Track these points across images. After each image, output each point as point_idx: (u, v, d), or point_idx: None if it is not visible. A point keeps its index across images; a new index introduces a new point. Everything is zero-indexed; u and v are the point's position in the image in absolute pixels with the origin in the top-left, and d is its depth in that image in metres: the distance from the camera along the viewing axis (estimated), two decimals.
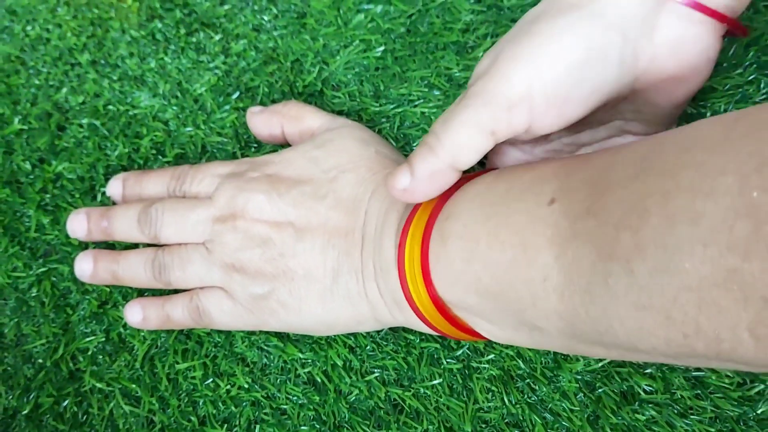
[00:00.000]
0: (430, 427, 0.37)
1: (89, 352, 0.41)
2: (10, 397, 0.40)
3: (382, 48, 0.46)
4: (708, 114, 0.41)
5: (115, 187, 0.43)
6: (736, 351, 0.22)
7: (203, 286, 0.39)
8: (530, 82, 0.29)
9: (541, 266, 0.27)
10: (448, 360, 0.38)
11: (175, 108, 0.47)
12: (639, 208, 0.23)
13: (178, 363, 0.40)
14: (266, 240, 0.38)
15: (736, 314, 0.21)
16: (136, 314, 0.40)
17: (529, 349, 0.38)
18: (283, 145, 0.44)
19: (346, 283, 0.37)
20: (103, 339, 0.41)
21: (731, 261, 0.21)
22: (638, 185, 0.24)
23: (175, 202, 0.40)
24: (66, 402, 0.39)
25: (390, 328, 0.39)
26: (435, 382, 0.38)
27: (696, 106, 0.41)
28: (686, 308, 0.22)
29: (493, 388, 0.37)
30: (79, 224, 0.42)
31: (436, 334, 0.37)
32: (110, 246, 0.43)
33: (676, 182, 0.23)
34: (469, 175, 0.34)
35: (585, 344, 0.29)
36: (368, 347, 0.39)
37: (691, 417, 0.36)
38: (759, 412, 0.35)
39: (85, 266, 0.41)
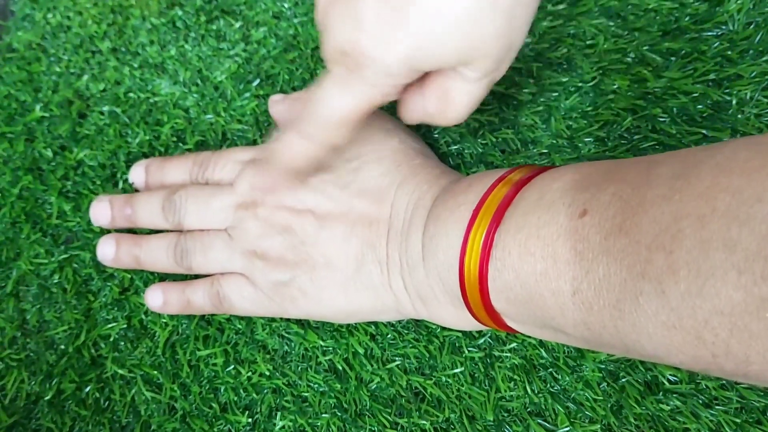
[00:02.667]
0: (452, 415, 0.37)
1: (111, 339, 0.41)
2: (33, 383, 0.40)
3: None
4: (733, 101, 0.41)
5: (137, 174, 0.43)
6: (764, 373, 0.22)
7: (224, 272, 0.39)
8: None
9: (571, 279, 0.27)
10: (469, 349, 0.38)
11: (195, 95, 0.47)
12: (673, 229, 0.23)
13: (199, 350, 0.40)
14: (287, 227, 0.38)
15: None
16: (157, 298, 0.40)
17: None
18: None
19: (370, 273, 0.37)
20: (125, 325, 0.41)
21: (765, 290, 0.20)
22: (672, 206, 0.24)
23: (198, 189, 0.40)
24: (88, 388, 0.40)
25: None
26: (456, 370, 0.38)
27: (722, 93, 0.41)
28: (717, 331, 0.22)
29: (516, 377, 0.37)
30: (102, 211, 0.42)
31: (455, 328, 0.37)
32: (130, 231, 0.43)
33: (711, 206, 0.22)
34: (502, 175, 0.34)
35: (608, 349, 0.29)
36: (389, 335, 0.39)
37: (717, 407, 0.35)
38: None
39: (107, 250, 0.41)
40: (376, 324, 0.39)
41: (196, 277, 0.41)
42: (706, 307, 0.22)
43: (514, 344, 0.38)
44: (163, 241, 0.41)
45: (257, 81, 0.47)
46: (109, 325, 0.41)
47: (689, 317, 0.22)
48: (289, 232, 0.38)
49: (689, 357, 0.24)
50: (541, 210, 0.29)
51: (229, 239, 0.39)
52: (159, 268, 0.41)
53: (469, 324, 0.35)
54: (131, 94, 0.48)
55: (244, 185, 0.39)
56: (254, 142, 0.45)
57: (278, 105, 0.43)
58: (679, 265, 0.22)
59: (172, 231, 0.41)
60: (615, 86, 0.42)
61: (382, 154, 0.39)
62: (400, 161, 0.38)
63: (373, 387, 0.38)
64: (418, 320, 0.39)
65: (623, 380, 0.36)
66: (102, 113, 0.47)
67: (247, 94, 0.46)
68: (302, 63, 0.47)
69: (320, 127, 0.32)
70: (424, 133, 0.43)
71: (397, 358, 0.39)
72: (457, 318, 0.36)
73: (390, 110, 0.44)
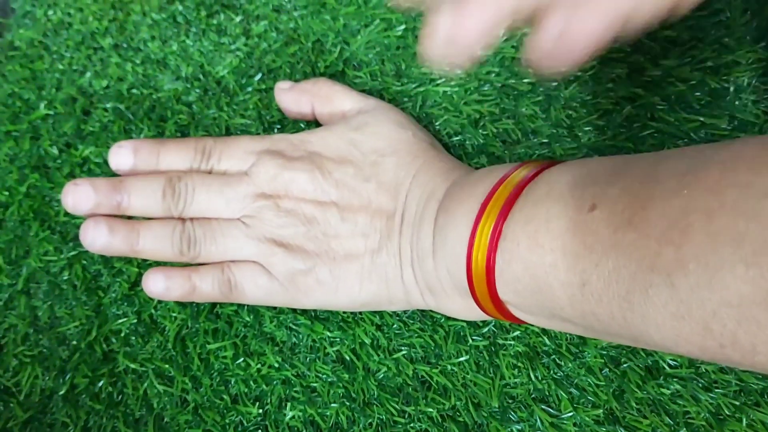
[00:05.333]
0: (458, 403, 0.38)
1: (122, 334, 0.41)
2: (47, 378, 0.41)
3: (403, 26, 0.46)
4: (731, 88, 0.41)
5: (124, 157, 0.40)
6: None
7: (235, 260, 0.39)
8: None
9: (580, 271, 0.27)
10: (474, 337, 0.39)
11: (198, 91, 0.47)
12: (682, 224, 0.24)
13: (209, 343, 0.40)
14: (311, 219, 0.38)
15: None
16: (158, 283, 0.39)
17: None
18: (310, 122, 0.45)
19: (385, 265, 0.37)
20: (135, 320, 0.42)
21: None
22: (681, 201, 0.24)
23: (207, 178, 0.39)
24: (101, 382, 0.40)
25: None
26: (462, 359, 0.39)
27: (719, 80, 0.41)
28: (725, 321, 0.22)
29: (520, 364, 0.38)
30: (83, 196, 0.39)
31: (463, 319, 0.38)
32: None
33: (720, 201, 0.23)
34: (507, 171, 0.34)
35: (615, 338, 0.29)
36: (395, 326, 0.40)
37: (716, 390, 0.36)
38: None
39: (98, 235, 0.38)
40: (381, 314, 0.40)
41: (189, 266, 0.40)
42: (715, 299, 0.22)
43: (517, 332, 0.39)
44: (166, 227, 0.39)
45: (259, 75, 0.47)
46: (120, 320, 0.42)
47: (698, 308, 0.23)
48: (312, 223, 0.38)
49: (697, 347, 0.24)
50: (549, 203, 0.30)
51: (244, 227, 0.39)
52: (159, 257, 0.39)
53: (476, 314, 0.36)
54: (134, 90, 0.48)
55: (264, 176, 0.39)
56: None
57: (286, 94, 0.43)
58: (688, 258, 0.23)
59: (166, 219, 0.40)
60: (613, 75, 0.43)
61: (398, 147, 0.39)
62: (416, 153, 0.39)
63: (380, 376, 0.39)
64: (422, 311, 0.40)
65: (625, 366, 0.37)
66: (106, 110, 0.48)
67: (250, 89, 0.47)
68: (303, 56, 0.47)
69: None
70: (425, 125, 0.44)
71: (403, 348, 0.39)
72: (464, 309, 0.36)
73: (395, 104, 0.44)
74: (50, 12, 0.51)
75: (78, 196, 0.39)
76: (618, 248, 0.26)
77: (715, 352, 0.24)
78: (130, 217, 0.40)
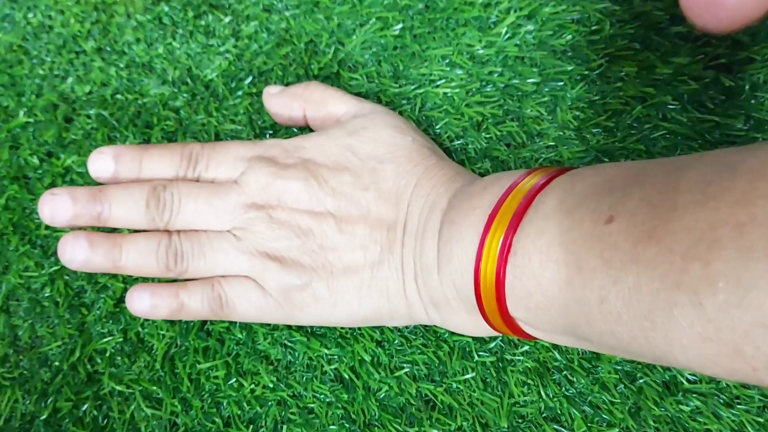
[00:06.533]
0: (464, 423, 0.36)
1: (107, 354, 0.39)
2: (27, 401, 0.39)
3: (400, 26, 0.44)
4: (746, 86, 0.39)
5: (103, 164, 0.38)
6: None
7: (225, 275, 0.37)
8: None
9: (598, 288, 0.25)
10: (480, 353, 0.37)
11: (185, 95, 0.45)
12: (709, 238, 0.22)
13: (199, 362, 0.38)
14: (306, 231, 0.36)
15: None
16: (143, 301, 0.37)
17: None
18: (302, 128, 0.43)
19: (386, 279, 0.35)
20: (121, 339, 0.39)
21: None
22: (707, 213, 0.22)
23: (194, 187, 0.37)
24: (85, 406, 0.38)
25: None
26: (468, 376, 0.36)
27: (734, 78, 0.39)
28: (758, 344, 0.21)
29: (529, 381, 0.36)
30: (60, 207, 0.36)
31: (469, 335, 0.36)
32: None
33: (750, 214, 0.21)
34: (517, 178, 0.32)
35: (635, 356, 0.27)
36: (396, 342, 0.38)
37: (738, 407, 0.34)
38: None
39: (78, 251, 0.36)
40: (381, 330, 0.38)
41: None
42: (747, 320, 0.21)
43: (526, 347, 0.36)
44: (151, 241, 0.36)
45: (249, 78, 0.45)
46: (105, 339, 0.40)
47: (728, 329, 0.21)
48: (308, 236, 0.36)
49: (726, 370, 0.22)
50: (562, 214, 0.27)
51: (235, 240, 0.36)
52: (144, 273, 0.37)
53: (483, 330, 0.34)
54: (119, 96, 0.46)
55: (256, 185, 0.36)
56: None
57: (275, 99, 0.41)
58: (717, 276, 0.21)
59: (151, 231, 0.37)
60: (622, 73, 0.41)
61: (397, 153, 0.37)
62: (416, 161, 0.37)
63: (381, 396, 0.37)
64: (425, 325, 0.38)
65: (641, 381, 0.35)
66: (89, 117, 0.45)
67: (240, 92, 0.45)
68: (296, 58, 0.45)
69: None
70: (425, 128, 0.42)
71: (405, 365, 0.37)
72: (471, 324, 0.34)
73: (393, 107, 0.42)
74: (30, 15, 0.49)
75: (56, 206, 0.36)
76: (639, 263, 0.24)
77: (747, 375, 0.22)
78: (114, 231, 0.38)
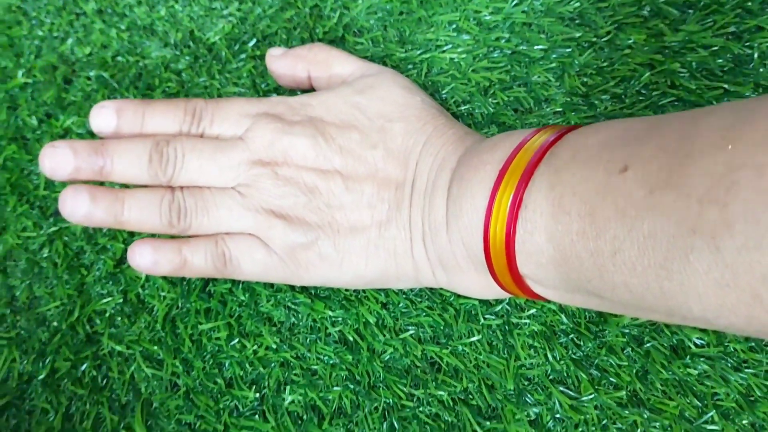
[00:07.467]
0: (470, 385, 0.35)
1: (107, 314, 0.39)
2: (25, 362, 0.38)
3: None
4: (755, 54, 0.39)
5: (105, 118, 0.36)
6: None
7: (229, 232, 0.36)
8: None
9: (611, 239, 0.25)
10: (486, 316, 0.36)
11: (188, 58, 0.44)
12: (727, 181, 0.21)
13: (201, 323, 0.38)
14: (312, 189, 0.35)
15: None
16: (145, 256, 0.36)
17: None
18: (305, 90, 0.42)
19: (393, 239, 0.35)
20: (121, 300, 0.39)
21: None
22: (726, 156, 0.22)
23: (198, 142, 0.36)
24: (84, 366, 0.37)
25: None
26: (474, 338, 0.36)
27: (742, 46, 0.39)
28: None
29: (536, 344, 0.36)
30: (62, 160, 0.35)
31: (476, 297, 0.36)
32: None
33: None
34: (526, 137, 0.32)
35: (647, 313, 0.27)
36: (401, 304, 0.37)
37: (746, 371, 0.34)
38: None
39: (78, 204, 0.35)
40: (386, 292, 0.38)
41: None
42: (765, 262, 0.20)
43: (533, 310, 0.36)
44: (154, 196, 0.35)
45: (253, 41, 0.44)
46: (104, 300, 0.39)
47: (746, 273, 0.21)
48: (314, 194, 0.35)
49: (742, 318, 0.22)
50: (576, 166, 0.27)
51: (240, 197, 0.36)
52: (146, 228, 0.36)
53: (491, 292, 0.34)
54: (119, 58, 0.45)
55: (261, 141, 0.36)
56: None
57: (279, 60, 0.40)
58: (735, 218, 0.21)
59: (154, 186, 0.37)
60: (631, 41, 0.40)
61: (407, 113, 0.36)
62: (426, 120, 0.36)
63: (386, 358, 0.36)
64: (431, 288, 0.37)
65: (648, 345, 0.35)
66: (89, 78, 0.45)
67: (243, 56, 0.44)
68: (300, 22, 0.44)
69: None
70: (432, 93, 0.41)
71: (410, 328, 0.37)
72: (479, 285, 0.34)
73: (399, 72, 0.42)
74: None
75: (56, 158, 0.35)
76: (654, 210, 0.23)
77: (764, 323, 0.22)
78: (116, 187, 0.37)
